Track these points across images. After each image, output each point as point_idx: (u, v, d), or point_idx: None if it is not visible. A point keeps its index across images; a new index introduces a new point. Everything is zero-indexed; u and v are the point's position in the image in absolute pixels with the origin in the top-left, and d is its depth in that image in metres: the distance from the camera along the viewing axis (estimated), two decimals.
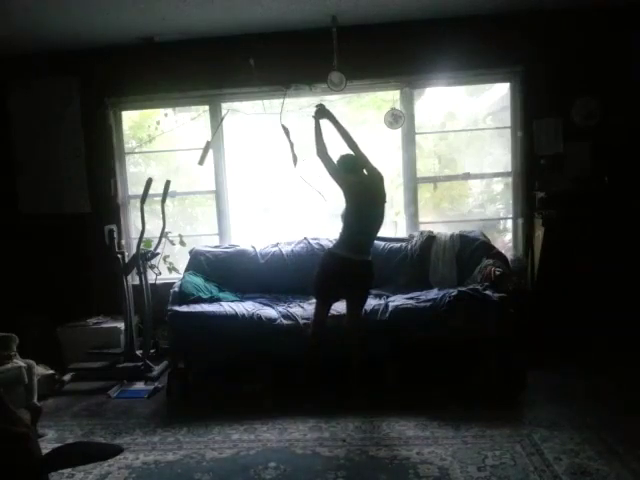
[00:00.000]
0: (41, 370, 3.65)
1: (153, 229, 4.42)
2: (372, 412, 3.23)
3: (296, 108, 4.58)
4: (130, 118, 4.92)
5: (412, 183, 4.61)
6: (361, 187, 3.33)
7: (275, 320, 3.59)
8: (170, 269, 4.59)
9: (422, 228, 4.56)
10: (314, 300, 3.96)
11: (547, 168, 4.29)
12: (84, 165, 4.66)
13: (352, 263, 3.30)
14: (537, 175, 4.33)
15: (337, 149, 3.49)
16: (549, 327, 3.87)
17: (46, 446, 2.80)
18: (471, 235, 4.27)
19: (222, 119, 4.58)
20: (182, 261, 4.51)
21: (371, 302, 3.75)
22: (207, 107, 4.72)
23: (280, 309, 3.74)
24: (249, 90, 4.52)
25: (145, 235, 4.09)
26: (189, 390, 3.68)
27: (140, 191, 4.10)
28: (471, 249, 4.16)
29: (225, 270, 4.26)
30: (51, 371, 3.81)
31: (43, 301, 4.59)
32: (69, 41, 4.33)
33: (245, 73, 4.37)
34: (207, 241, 4.72)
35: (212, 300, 3.90)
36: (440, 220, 4.71)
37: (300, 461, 2.76)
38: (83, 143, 4.65)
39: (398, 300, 3.74)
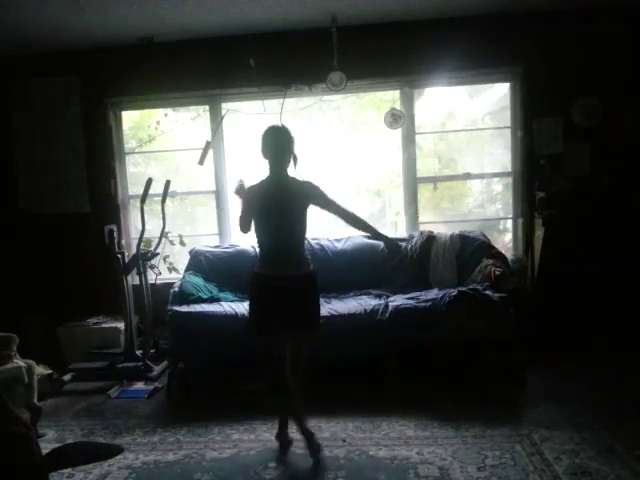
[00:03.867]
0: (41, 370, 3.64)
1: (153, 229, 4.42)
2: (372, 412, 3.23)
3: (296, 108, 4.59)
4: (130, 118, 4.92)
5: (412, 183, 4.61)
6: (266, 201, 2.74)
7: None
8: (170, 269, 4.59)
9: (422, 228, 4.56)
10: None
11: (547, 168, 4.28)
12: (84, 165, 4.66)
13: (279, 279, 2.73)
14: (537, 175, 4.33)
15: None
16: (549, 327, 3.87)
17: (46, 446, 2.80)
18: (471, 235, 4.27)
19: (222, 119, 4.59)
20: (182, 261, 4.51)
21: (371, 302, 3.76)
22: (207, 107, 4.71)
23: None
24: (249, 90, 4.52)
25: (145, 235, 4.09)
26: (189, 390, 3.68)
27: (140, 191, 4.10)
28: (471, 249, 4.17)
29: (225, 270, 4.25)
30: (50, 371, 3.81)
31: (43, 301, 4.59)
32: (69, 41, 4.33)
33: (245, 73, 4.37)
34: (207, 241, 4.72)
35: (212, 300, 3.90)
36: (440, 220, 4.71)
37: (300, 461, 2.76)
38: (83, 143, 4.65)
39: (398, 300, 3.74)
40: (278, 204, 2.72)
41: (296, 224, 2.78)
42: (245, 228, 2.85)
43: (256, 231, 2.83)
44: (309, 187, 2.79)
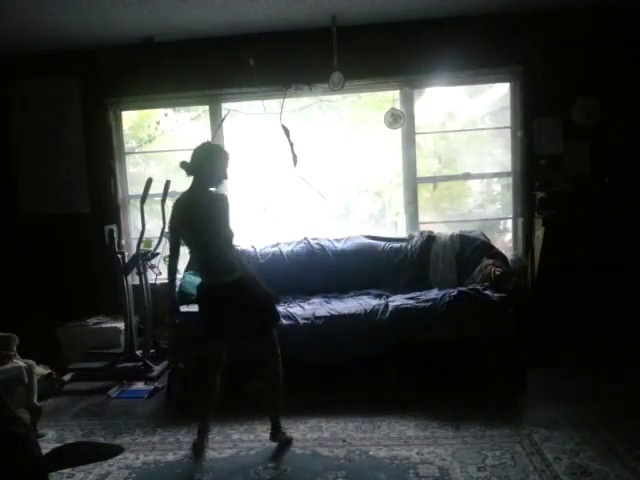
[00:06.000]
0: (41, 370, 3.64)
1: (153, 229, 4.41)
2: (372, 412, 3.23)
3: (296, 108, 4.59)
4: (130, 118, 4.92)
5: (412, 183, 4.61)
6: (187, 214, 2.79)
7: None
8: None
9: (422, 228, 4.56)
10: (314, 300, 3.99)
11: (547, 168, 4.29)
12: (84, 165, 4.66)
13: (216, 288, 2.81)
14: (537, 175, 4.33)
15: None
16: (549, 327, 3.87)
17: (46, 446, 2.80)
18: (471, 235, 4.27)
19: (222, 120, 4.58)
20: (182, 261, 4.49)
21: (371, 302, 3.76)
22: (207, 107, 4.72)
23: (280, 309, 3.73)
24: (249, 90, 4.52)
25: (145, 235, 4.09)
26: (189, 390, 3.68)
27: (140, 191, 4.10)
28: (471, 249, 4.17)
29: None
30: (50, 370, 3.80)
31: (43, 301, 4.59)
32: (69, 41, 4.33)
33: (245, 73, 4.37)
34: None
35: None
36: (440, 220, 4.71)
37: (300, 461, 2.76)
38: (83, 143, 4.65)
39: (398, 300, 3.74)
40: (198, 219, 2.76)
41: (215, 235, 2.77)
42: (174, 246, 2.91)
43: (187, 246, 2.90)
44: (220, 199, 2.81)
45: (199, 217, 2.77)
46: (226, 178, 2.91)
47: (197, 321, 2.93)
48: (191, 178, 2.83)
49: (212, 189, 2.85)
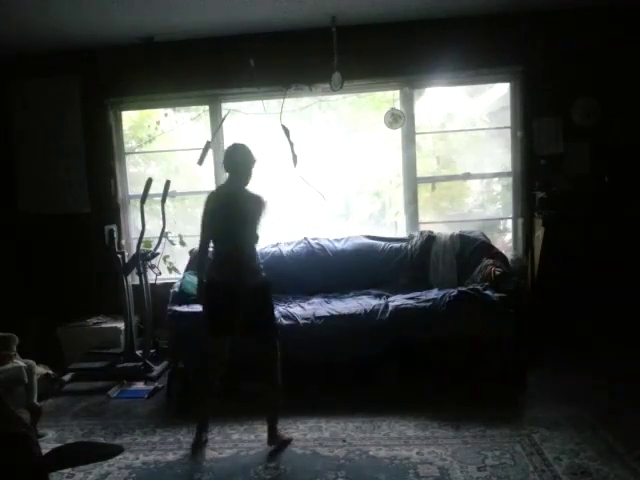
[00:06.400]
0: (41, 370, 3.64)
1: (153, 229, 4.41)
2: (372, 412, 3.23)
3: (296, 108, 4.59)
4: (130, 118, 4.92)
5: (412, 183, 4.61)
6: (221, 209, 2.87)
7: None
8: (170, 269, 4.59)
9: (422, 228, 4.56)
10: (314, 300, 3.99)
11: (547, 168, 4.29)
12: (84, 165, 4.67)
13: (231, 286, 2.81)
14: (537, 175, 4.33)
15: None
16: (549, 327, 3.87)
17: (46, 446, 2.80)
18: (471, 235, 4.27)
19: (223, 120, 4.58)
20: (182, 261, 4.50)
21: (371, 302, 3.76)
22: (207, 107, 4.72)
23: (280, 309, 3.73)
24: (249, 90, 4.52)
25: (145, 235, 4.09)
26: (189, 390, 3.68)
27: (140, 191, 4.10)
28: (471, 249, 4.17)
29: None
30: (49, 370, 3.80)
31: (43, 301, 4.59)
32: (69, 41, 4.33)
33: (245, 73, 4.37)
34: None
35: None
36: (440, 220, 4.71)
37: (300, 461, 2.76)
38: (83, 143, 4.65)
39: (398, 300, 3.74)
40: (232, 214, 2.85)
41: (247, 235, 2.88)
42: (205, 243, 2.93)
43: (212, 239, 2.93)
44: (257, 201, 2.89)
45: (234, 214, 2.85)
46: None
47: (202, 319, 2.95)
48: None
49: (248, 188, 2.93)
